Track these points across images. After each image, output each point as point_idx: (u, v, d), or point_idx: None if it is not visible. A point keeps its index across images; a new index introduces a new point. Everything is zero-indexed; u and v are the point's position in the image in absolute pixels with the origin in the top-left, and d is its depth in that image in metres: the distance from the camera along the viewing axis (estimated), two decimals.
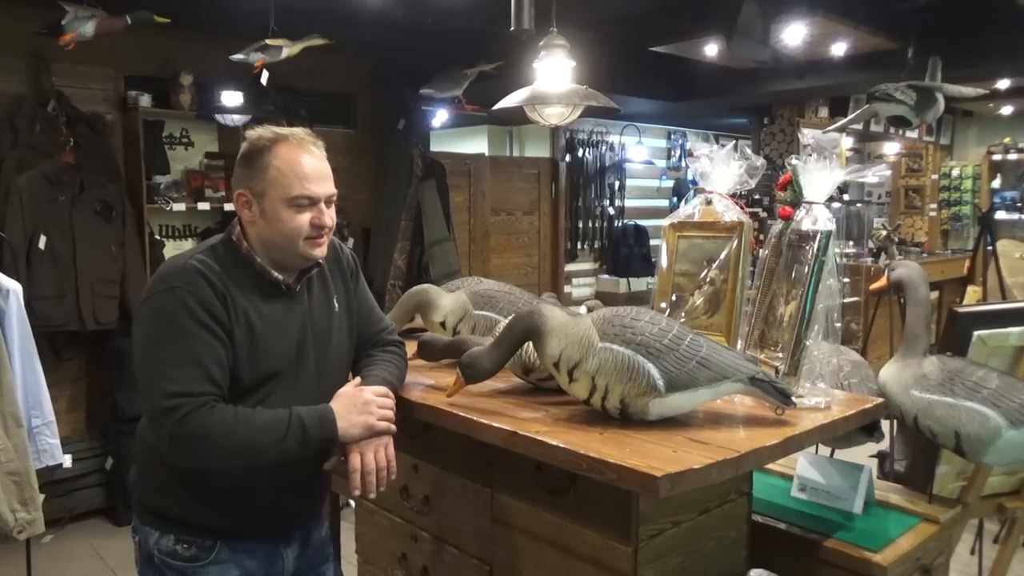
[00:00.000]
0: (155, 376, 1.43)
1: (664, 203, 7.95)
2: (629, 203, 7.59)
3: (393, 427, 1.56)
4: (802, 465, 1.95)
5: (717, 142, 8.25)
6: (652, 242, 7.35)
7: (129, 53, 4.05)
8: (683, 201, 2.11)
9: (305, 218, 1.53)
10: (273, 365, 1.53)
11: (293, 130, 1.59)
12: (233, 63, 3.59)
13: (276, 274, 1.57)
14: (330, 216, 1.57)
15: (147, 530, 1.57)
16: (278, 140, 1.54)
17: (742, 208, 1.96)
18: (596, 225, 7.22)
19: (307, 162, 1.53)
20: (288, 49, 3.55)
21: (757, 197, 6.32)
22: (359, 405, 1.53)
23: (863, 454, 2.25)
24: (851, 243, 7.17)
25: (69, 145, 3.77)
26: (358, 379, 1.62)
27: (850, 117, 3.81)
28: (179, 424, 1.39)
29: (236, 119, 4.25)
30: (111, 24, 3.28)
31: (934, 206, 8.61)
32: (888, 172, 8.49)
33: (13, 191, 3.59)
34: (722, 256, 1.91)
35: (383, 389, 1.59)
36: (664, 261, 2.04)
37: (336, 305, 1.68)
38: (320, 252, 1.58)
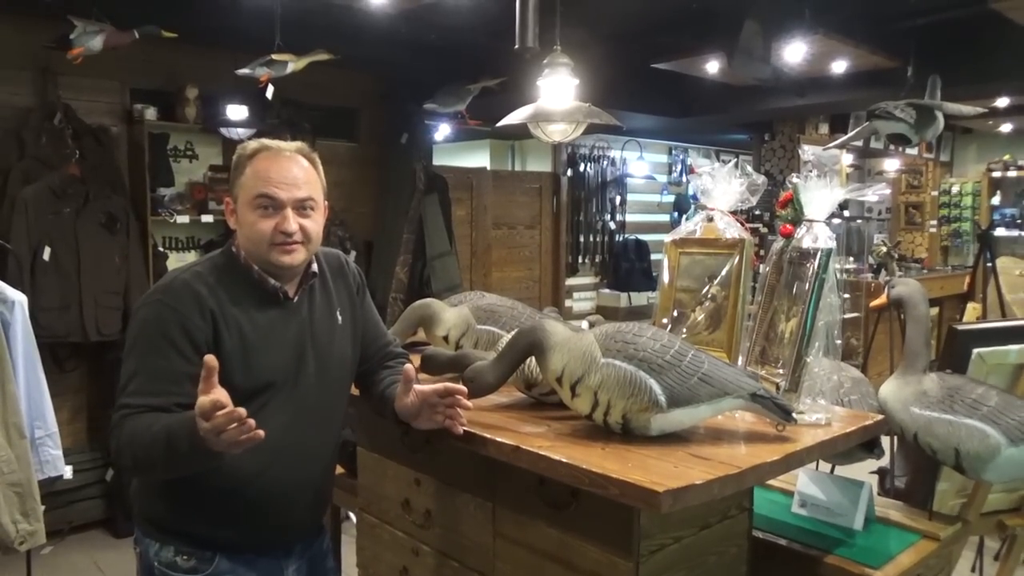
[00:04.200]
0: (119, 388, 1.47)
1: (665, 218, 7.98)
2: (630, 218, 7.62)
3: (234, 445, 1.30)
4: (803, 481, 1.96)
5: (718, 158, 8.32)
6: (653, 257, 7.37)
7: (135, 66, 4.08)
8: (684, 217, 2.13)
9: (269, 223, 1.52)
10: (267, 375, 1.53)
11: (282, 143, 1.59)
12: (238, 77, 3.62)
13: (273, 282, 1.57)
14: (297, 223, 1.52)
15: (148, 542, 1.58)
16: (260, 150, 1.56)
17: (743, 225, 1.98)
18: (597, 239, 7.24)
19: (276, 167, 1.54)
20: (293, 64, 3.58)
21: (758, 213, 6.34)
22: (208, 432, 1.27)
23: (863, 470, 2.25)
24: (851, 259, 7.19)
25: (75, 157, 3.79)
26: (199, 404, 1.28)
27: (850, 134, 3.84)
28: (109, 436, 1.44)
29: (241, 132, 4.28)
30: (119, 38, 3.31)
31: (934, 222, 8.63)
32: (888, 190, 8.51)
33: (19, 203, 3.61)
34: (723, 272, 1.93)
35: (206, 406, 1.26)
36: (666, 277, 2.06)
37: (339, 317, 1.68)
38: (289, 260, 1.54)
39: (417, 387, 1.56)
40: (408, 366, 1.61)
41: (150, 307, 1.50)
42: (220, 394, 1.28)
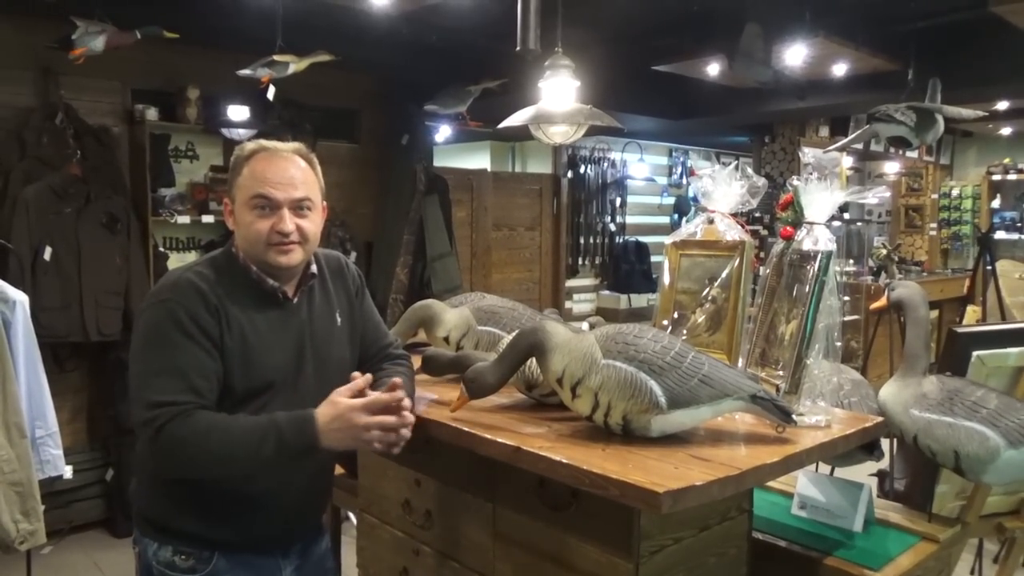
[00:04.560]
0: (140, 387, 1.46)
1: (665, 220, 7.99)
2: (630, 220, 7.63)
3: (390, 446, 1.50)
4: (802, 483, 1.96)
5: (718, 160, 8.33)
6: (653, 259, 7.38)
7: (136, 67, 4.09)
8: (684, 219, 2.14)
9: (266, 224, 1.52)
10: (267, 376, 1.53)
11: (280, 144, 1.59)
12: (239, 77, 3.62)
13: (272, 283, 1.57)
14: (294, 223, 1.53)
15: (146, 541, 1.58)
16: (257, 150, 1.56)
17: (743, 227, 1.99)
18: (597, 241, 7.25)
19: (273, 167, 1.54)
20: (295, 65, 3.58)
21: (758, 215, 6.34)
22: (349, 428, 1.45)
23: (863, 472, 2.26)
24: (851, 261, 7.19)
25: (76, 157, 3.80)
26: (354, 401, 1.47)
27: (851, 137, 3.85)
28: (157, 434, 1.41)
29: (242, 133, 4.29)
30: (121, 39, 3.31)
31: (934, 225, 8.64)
32: (888, 193, 8.52)
33: (20, 203, 3.62)
34: (724, 274, 1.93)
35: (385, 400, 1.48)
36: (666, 279, 2.06)
37: (338, 318, 1.68)
38: (286, 260, 1.54)
39: (371, 395, 1.51)
40: (356, 373, 1.55)
41: (161, 306, 1.49)
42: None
